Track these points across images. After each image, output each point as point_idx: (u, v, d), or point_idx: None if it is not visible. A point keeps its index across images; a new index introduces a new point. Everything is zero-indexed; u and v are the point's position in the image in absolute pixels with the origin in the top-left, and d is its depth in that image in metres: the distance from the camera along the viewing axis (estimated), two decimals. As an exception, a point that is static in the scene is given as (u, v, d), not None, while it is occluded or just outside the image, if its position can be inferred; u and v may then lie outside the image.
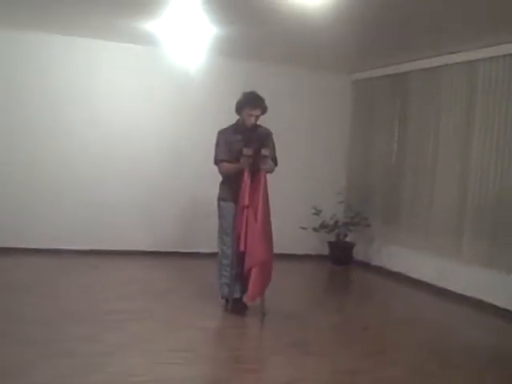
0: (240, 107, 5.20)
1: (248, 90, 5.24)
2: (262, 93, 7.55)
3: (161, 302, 5.52)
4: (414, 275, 7.16)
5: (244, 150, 5.06)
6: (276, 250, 7.58)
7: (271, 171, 5.22)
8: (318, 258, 8.24)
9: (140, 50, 7.53)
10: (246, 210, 4.96)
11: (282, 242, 7.66)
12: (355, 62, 7.88)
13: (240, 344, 4.69)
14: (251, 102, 5.14)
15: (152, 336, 4.58)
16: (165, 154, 7.74)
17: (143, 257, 7.53)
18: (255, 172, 5.04)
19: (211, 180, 5.60)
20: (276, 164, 5.32)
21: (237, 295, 5.25)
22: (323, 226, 8.03)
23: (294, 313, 5.52)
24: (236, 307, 5.24)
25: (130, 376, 3.76)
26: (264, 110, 5.21)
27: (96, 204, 7.49)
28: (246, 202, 4.95)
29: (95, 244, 7.45)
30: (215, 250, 5.48)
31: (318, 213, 8.01)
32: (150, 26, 6.31)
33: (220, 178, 5.37)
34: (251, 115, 5.14)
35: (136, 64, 7.63)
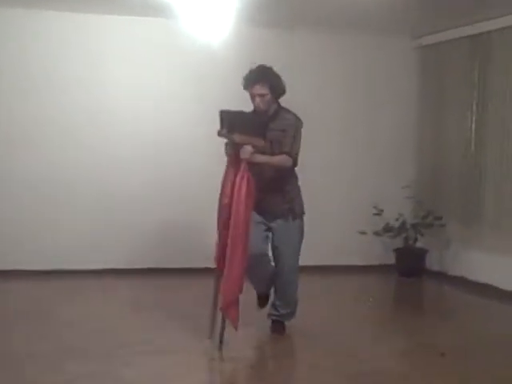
0: (245, 88, 5.07)
1: (256, 65, 5.06)
2: (309, 67, 7.74)
3: (180, 329, 5.35)
4: (504, 286, 6.81)
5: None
6: (330, 261, 7.78)
7: (273, 162, 5.03)
8: (382, 268, 8.02)
9: (153, 22, 7.42)
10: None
11: (337, 250, 7.86)
12: (420, 22, 7.53)
13: (284, 378, 4.60)
14: (250, 77, 4.97)
15: (177, 371, 4.52)
16: (181, 148, 7.59)
17: (156, 274, 7.42)
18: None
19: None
20: (293, 161, 5.07)
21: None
22: (387, 229, 7.82)
23: (355, 337, 5.41)
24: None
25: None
26: (273, 86, 5.00)
27: (104, 220, 7.50)
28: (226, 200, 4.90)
29: (101, 263, 7.42)
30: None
31: (379, 213, 7.79)
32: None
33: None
34: (254, 95, 4.98)
35: (149, 39, 7.53)
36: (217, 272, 4.96)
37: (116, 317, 5.84)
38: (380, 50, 8.14)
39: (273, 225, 5.15)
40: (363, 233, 7.81)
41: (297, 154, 5.07)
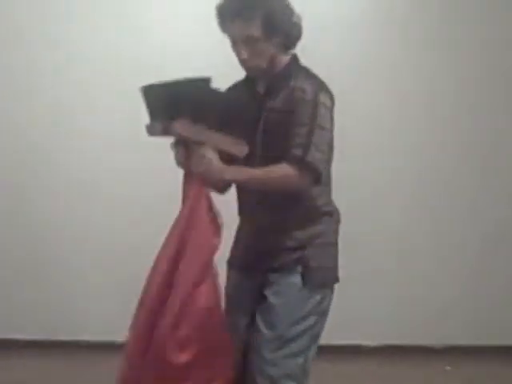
0: (222, 29, 2.93)
1: None
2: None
3: None
4: None
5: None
6: (471, 340, 5.69)
7: (258, 183, 2.81)
8: None
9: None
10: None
11: (488, 320, 5.66)
12: None
13: None
14: (225, 6, 2.83)
15: None
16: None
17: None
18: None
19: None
20: (311, 177, 2.78)
21: None
22: None
23: None
24: None
25: None
26: (272, 22, 2.77)
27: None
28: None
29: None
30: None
31: None
32: None
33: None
34: (235, 41, 2.86)
35: None
36: None
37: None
38: None
39: (267, 291, 2.91)
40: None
41: (320, 163, 2.76)
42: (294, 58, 2.92)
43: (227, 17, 2.81)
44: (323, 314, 2.93)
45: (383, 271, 5.50)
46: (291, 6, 2.86)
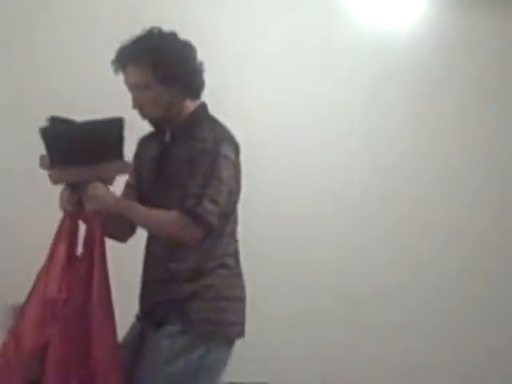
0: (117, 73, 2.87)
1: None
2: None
3: None
4: None
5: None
6: None
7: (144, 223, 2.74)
8: None
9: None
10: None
11: None
12: None
13: None
14: (119, 53, 2.72)
15: None
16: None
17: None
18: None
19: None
20: (201, 228, 2.63)
21: None
22: None
23: None
24: None
25: None
26: (164, 67, 2.64)
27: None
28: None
29: None
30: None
31: None
32: None
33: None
34: (129, 90, 2.75)
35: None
36: None
37: None
38: None
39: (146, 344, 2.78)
40: None
41: (211, 215, 2.62)
42: (201, 107, 2.79)
43: (120, 63, 2.69)
44: (207, 368, 2.69)
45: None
46: (194, 54, 2.72)
